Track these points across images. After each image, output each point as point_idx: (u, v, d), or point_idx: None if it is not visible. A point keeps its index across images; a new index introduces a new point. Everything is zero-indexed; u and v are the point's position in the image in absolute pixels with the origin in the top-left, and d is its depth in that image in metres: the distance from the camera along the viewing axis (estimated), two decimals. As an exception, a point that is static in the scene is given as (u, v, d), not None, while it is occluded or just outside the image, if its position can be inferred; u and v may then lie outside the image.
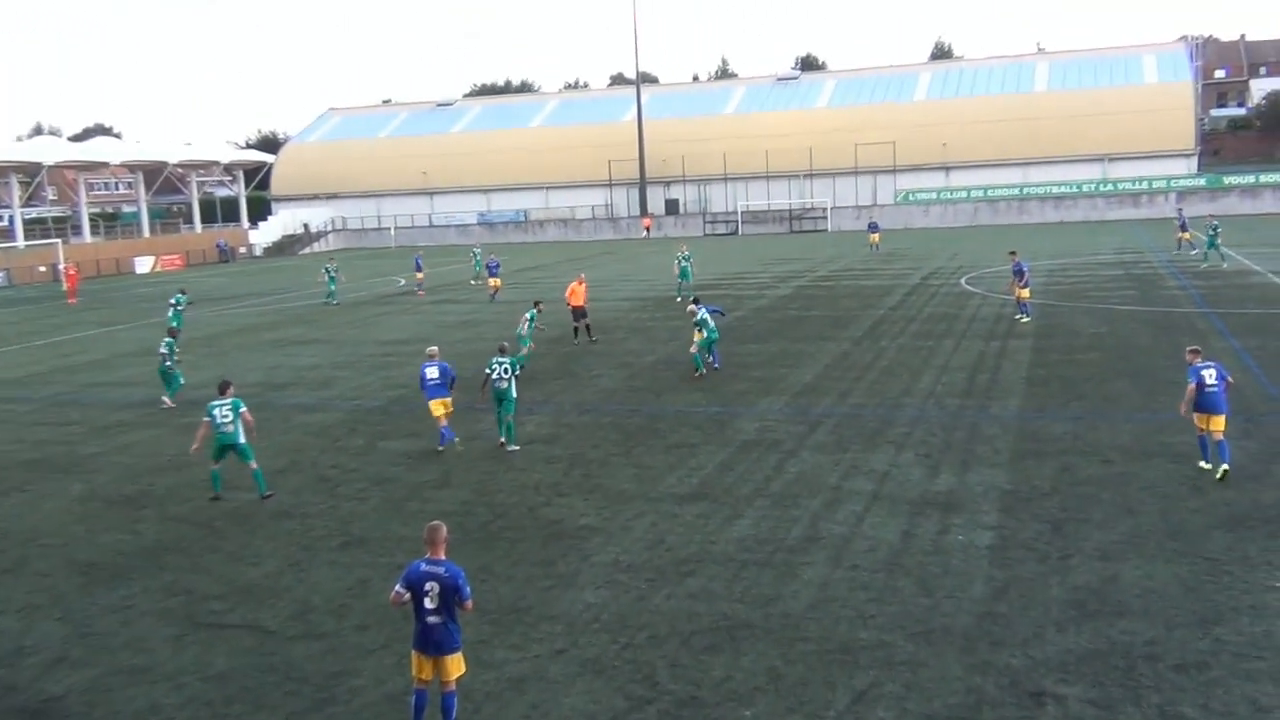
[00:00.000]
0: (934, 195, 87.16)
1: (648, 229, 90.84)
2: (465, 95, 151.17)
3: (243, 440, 15.84)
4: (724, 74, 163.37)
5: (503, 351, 18.64)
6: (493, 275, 42.83)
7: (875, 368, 24.16)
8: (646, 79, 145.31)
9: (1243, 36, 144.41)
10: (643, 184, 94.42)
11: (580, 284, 31.03)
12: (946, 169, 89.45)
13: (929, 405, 20.03)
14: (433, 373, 18.65)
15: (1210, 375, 15.06)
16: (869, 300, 37.04)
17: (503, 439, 18.35)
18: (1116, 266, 44.27)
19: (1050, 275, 41.94)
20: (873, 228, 62.60)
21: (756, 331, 30.64)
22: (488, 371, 18.35)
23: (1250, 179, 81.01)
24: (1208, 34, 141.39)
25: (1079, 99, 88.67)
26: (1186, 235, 49.37)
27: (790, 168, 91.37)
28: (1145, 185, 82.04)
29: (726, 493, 15.22)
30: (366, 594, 12.16)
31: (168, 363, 24.06)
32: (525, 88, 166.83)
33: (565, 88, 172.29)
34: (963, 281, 41.60)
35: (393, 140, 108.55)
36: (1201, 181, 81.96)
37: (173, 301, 34.87)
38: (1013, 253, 32.62)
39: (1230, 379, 15.41)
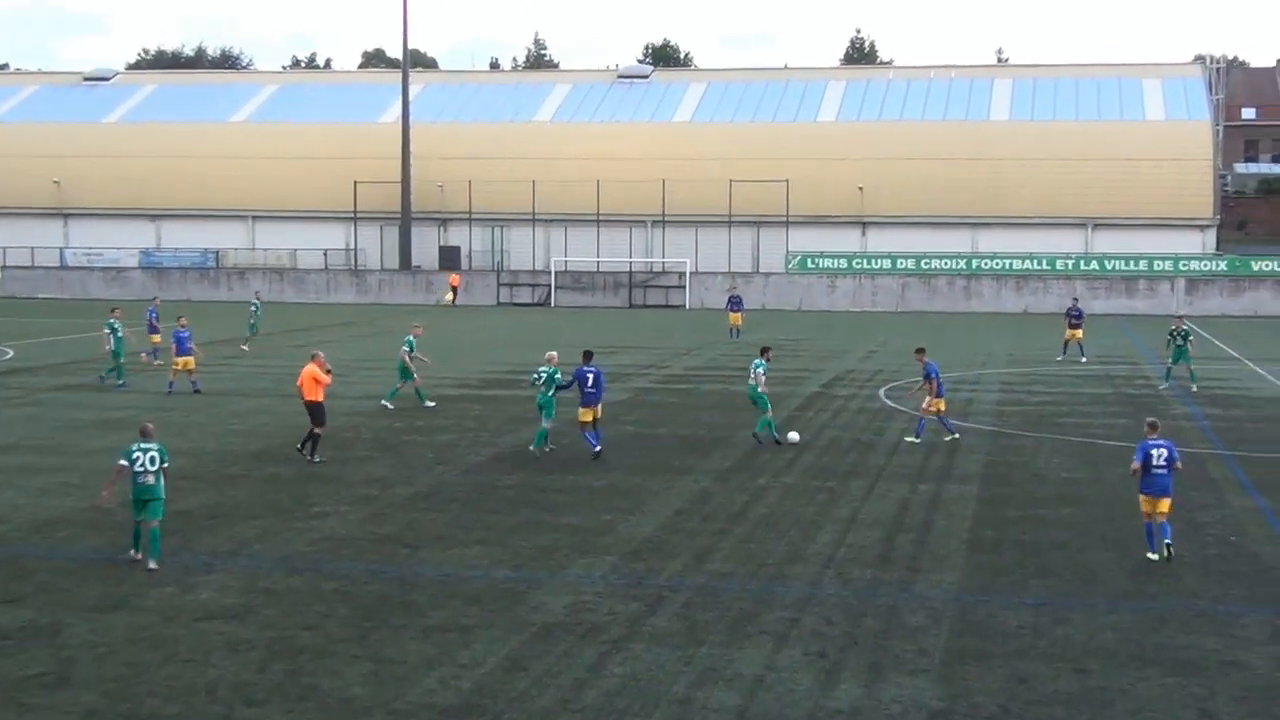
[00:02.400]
0: (844, 263, 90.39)
1: (455, 290, 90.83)
2: (130, 67, 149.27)
3: None
4: (539, 62, 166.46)
5: (145, 435, 20.77)
6: (182, 352, 42.04)
7: (748, 518, 24.58)
8: (419, 61, 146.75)
9: (1279, 64, 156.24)
10: (406, 220, 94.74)
11: (319, 365, 30.47)
12: (862, 224, 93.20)
13: (826, 578, 20.45)
14: None
15: (1159, 455, 21.13)
16: (743, 415, 37.60)
17: (141, 555, 20.62)
18: (1102, 381, 46.60)
19: (1008, 391, 43.77)
20: (734, 304, 64.89)
21: (572, 455, 30.78)
22: (123, 463, 20.61)
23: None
24: (1231, 55, 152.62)
25: (1053, 135, 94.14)
26: (1077, 334, 53.27)
27: (633, 210, 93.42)
28: (1145, 266, 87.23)
29: (514, 705, 15.08)
30: None
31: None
32: (228, 61, 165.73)
33: (291, 66, 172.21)
34: (881, 393, 42.98)
35: (6, 130, 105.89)
36: (1221, 265, 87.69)
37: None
38: (920, 350, 34.50)
39: (1179, 464, 21.46)
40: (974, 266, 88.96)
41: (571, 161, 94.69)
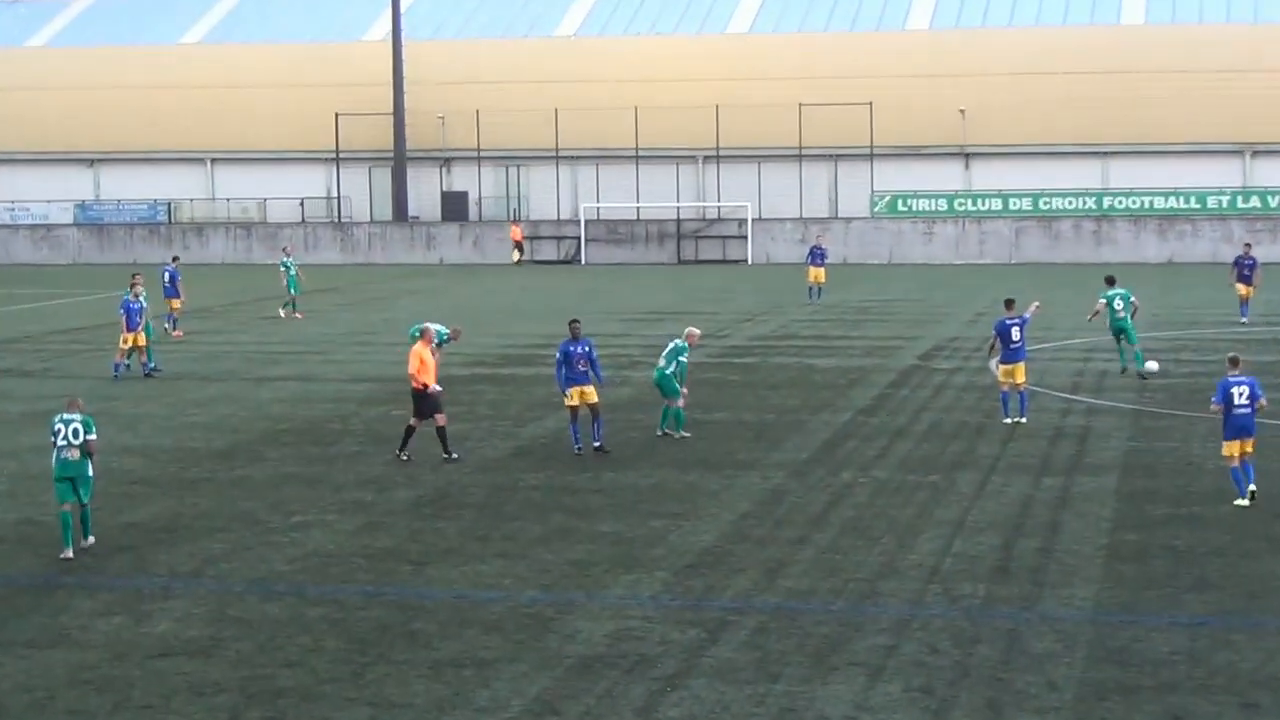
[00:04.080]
0: (943, 204, 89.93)
1: (520, 245, 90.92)
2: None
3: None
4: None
5: (72, 408, 22.49)
6: (132, 326, 42.31)
7: (831, 523, 24.50)
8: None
9: None
10: (400, 161, 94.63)
11: (427, 345, 30.57)
12: (965, 156, 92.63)
13: (930, 596, 20.37)
14: None
15: (1241, 394, 24.35)
16: (823, 394, 37.68)
17: (72, 554, 22.10)
18: (1268, 347, 46.17)
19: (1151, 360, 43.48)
20: (816, 257, 64.45)
21: (611, 446, 30.72)
22: (52, 438, 22.36)
23: None
24: None
25: (1200, 42, 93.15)
26: (1247, 290, 53.28)
27: (680, 143, 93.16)
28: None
29: (547, 757, 15.10)
30: None
31: None
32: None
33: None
34: (993, 365, 42.75)
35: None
36: None
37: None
38: (1010, 302, 34.68)
39: (1264, 400, 24.93)
40: (1105, 206, 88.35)
41: (602, 85, 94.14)
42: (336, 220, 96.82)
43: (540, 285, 74.78)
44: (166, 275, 52.53)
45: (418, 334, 39.10)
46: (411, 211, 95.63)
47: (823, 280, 63.58)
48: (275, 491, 27.27)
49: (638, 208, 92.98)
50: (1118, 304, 39.20)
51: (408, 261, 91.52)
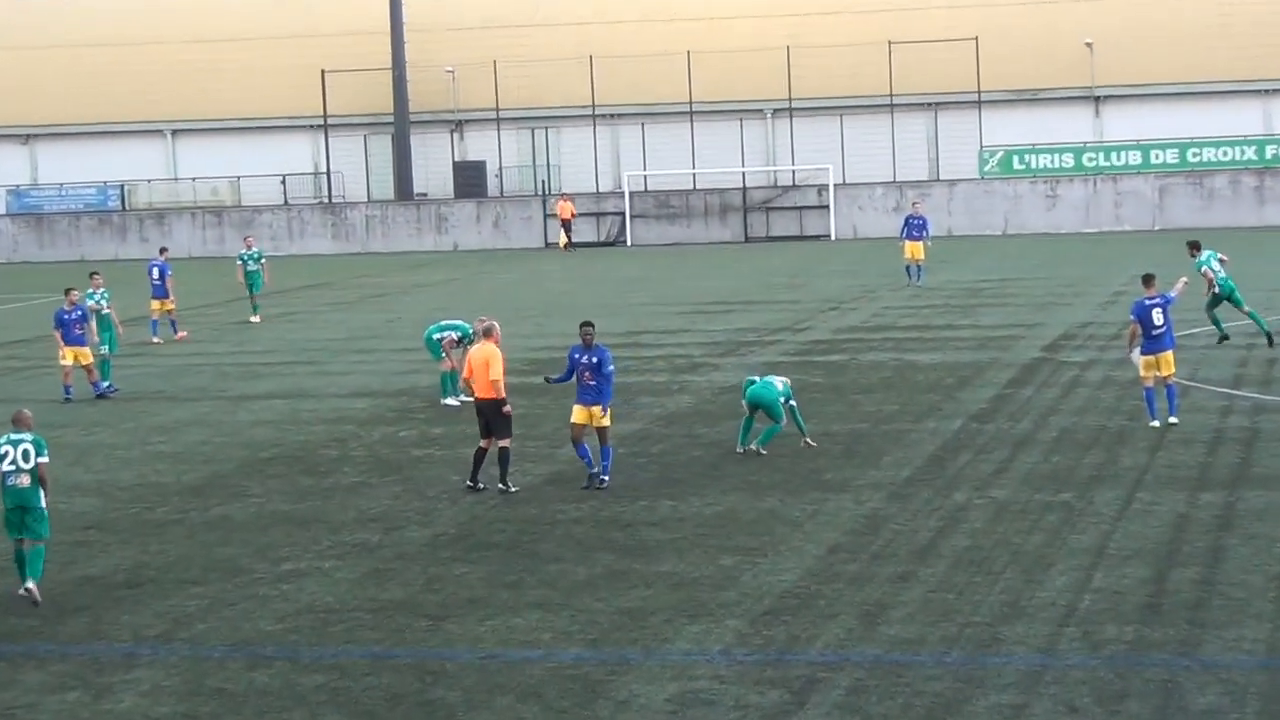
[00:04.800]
0: (1069, 159, 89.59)
1: (568, 225, 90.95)
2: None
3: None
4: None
5: (19, 423, 23.27)
6: (70, 340, 42.34)
7: (942, 554, 24.50)
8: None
9: None
10: (403, 126, 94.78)
11: (495, 341, 30.51)
12: (1094, 100, 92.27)
13: (1065, 642, 20.30)
14: None
15: None
16: (927, 398, 37.75)
17: (29, 585, 22.80)
18: None
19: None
20: (914, 229, 64.11)
21: (669, 467, 30.85)
22: None
23: None
24: None
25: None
26: None
27: (744, 94, 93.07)
28: None
29: None
30: None
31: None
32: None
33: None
34: (1134, 355, 42.58)
35: None
36: None
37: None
38: (1149, 278, 34.35)
39: None
40: (1269, 156, 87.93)
41: (648, 26, 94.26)
42: (326, 201, 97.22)
43: (578, 273, 74.90)
44: (155, 271, 53.63)
45: (441, 333, 38.98)
46: (417, 188, 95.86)
47: (922, 257, 63.35)
48: (260, 534, 27.37)
49: (694, 175, 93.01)
50: (1215, 265, 42.19)
51: (414, 248, 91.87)
